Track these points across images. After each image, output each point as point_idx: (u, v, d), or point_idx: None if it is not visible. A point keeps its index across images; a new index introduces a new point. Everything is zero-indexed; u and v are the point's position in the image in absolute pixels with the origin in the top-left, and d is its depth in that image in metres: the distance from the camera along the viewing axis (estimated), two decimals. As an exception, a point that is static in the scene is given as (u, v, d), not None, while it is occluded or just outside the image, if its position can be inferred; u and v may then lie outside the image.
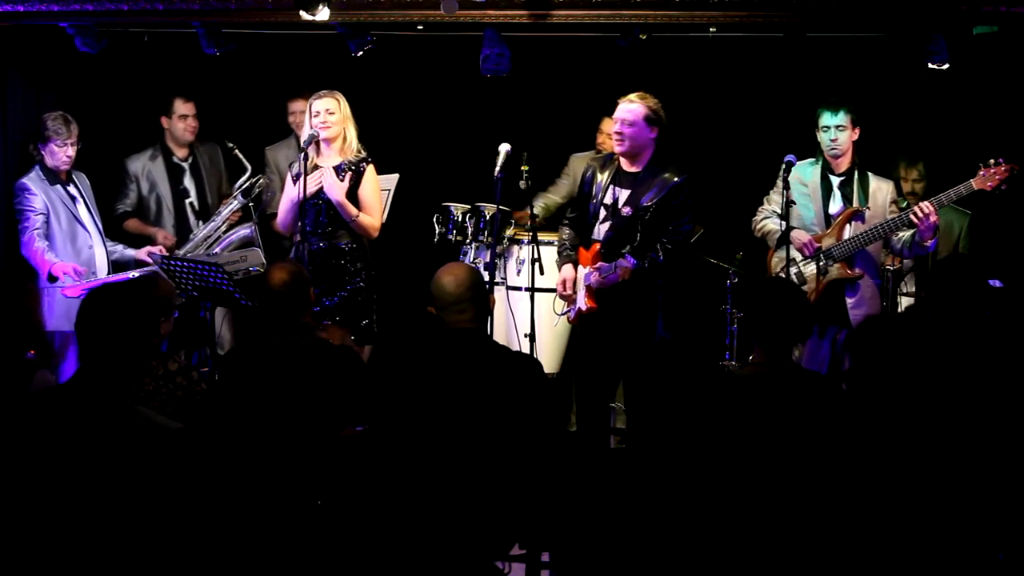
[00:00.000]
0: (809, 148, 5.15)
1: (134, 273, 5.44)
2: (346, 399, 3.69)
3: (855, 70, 6.08)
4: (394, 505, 3.23)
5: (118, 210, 5.96)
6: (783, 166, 5.02)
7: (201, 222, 5.92)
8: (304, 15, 5.09)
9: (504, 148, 5.01)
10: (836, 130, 5.01)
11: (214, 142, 6.10)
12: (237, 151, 5.80)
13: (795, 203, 4.94)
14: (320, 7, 5.06)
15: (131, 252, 5.62)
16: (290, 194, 5.18)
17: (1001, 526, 2.76)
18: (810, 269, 5.06)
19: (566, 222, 5.09)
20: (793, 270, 5.08)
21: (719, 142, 6.38)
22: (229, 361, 3.95)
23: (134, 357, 2.58)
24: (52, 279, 5.25)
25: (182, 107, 5.96)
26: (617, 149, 4.79)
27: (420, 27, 5.44)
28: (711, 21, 5.27)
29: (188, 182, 6.02)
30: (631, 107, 4.75)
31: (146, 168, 5.97)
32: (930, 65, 5.27)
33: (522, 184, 5.54)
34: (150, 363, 3.70)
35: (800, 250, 5.07)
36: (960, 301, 3.52)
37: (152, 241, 5.72)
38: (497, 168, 4.99)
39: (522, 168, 5.45)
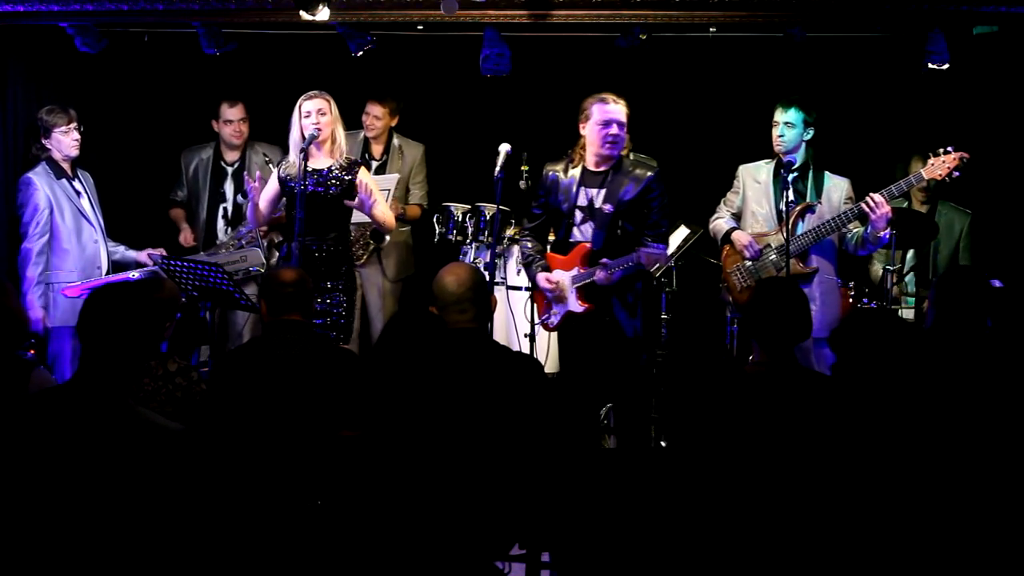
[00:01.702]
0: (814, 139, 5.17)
1: (134, 273, 5.44)
2: (345, 399, 3.69)
3: (854, 70, 6.08)
4: (394, 505, 3.22)
5: (170, 196, 6.13)
6: (783, 164, 5.03)
7: (230, 228, 5.95)
8: (304, 15, 5.09)
9: (504, 148, 5.01)
10: (784, 126, 5.04)
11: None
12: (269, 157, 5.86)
13: (794, 202, 4.95)
14: (320, 7, 5.06)
15: (132, 253, 5.63)
16: (271, 188, 5.15)
17: (1003, 525, 2.76)
18: (765, 265, 5.10)
19: (527, 233, 5.02)
20: (748, 264, 5.16)
21: (719, 142, 6.38)
22: (227, 361, 3.95)
23: (136, 358, 2.58)
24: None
25: (227, 111, 5.99)
26: (613, 152, 4.74)
27: (420, 27, 5.44)
28: (711, 21, 5.27)
29: (227, 186, 6.07)
30: (622, 109, 4.74)
31: (196, 164, 6.09)
32: (930, 65, 5.27)
33: (522, 184, 5.54)
34: (150, 363, 3.70)
35: (741, 251, 5.13)
36: (965, 312, 3.50)
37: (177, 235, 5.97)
38: (497, 168, 4.98)
39: (522, 168, 5.46)
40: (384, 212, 5.17)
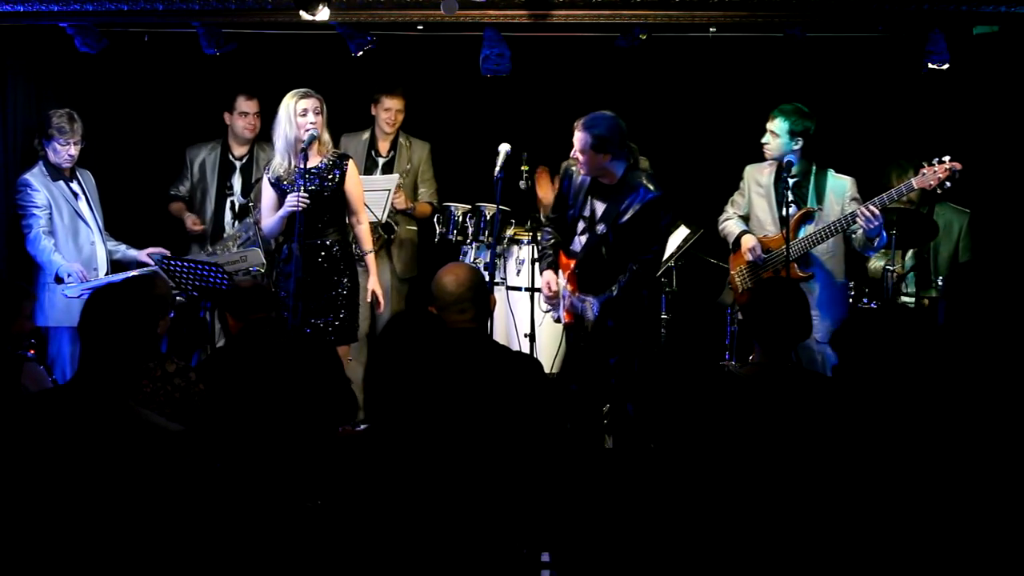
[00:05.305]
0: (808, 149, 5.16)
1: (134, 273, 5.44)
2: (330, 397, 3.70)
3: (854, 70, 6.08)
4: (394, 505, 3.22)
5: (170, 192, 6.14)
6: (783, 166, 5.03)
7: (237, 222, 5.97)
8: (304, 15, 5.09)
9: (504, 148, 5.01)
10: (768, 134, 5.07)
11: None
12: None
13: (794, 203, 4.95)
14: (320, 7, 5.06)
15: (133, 252, 5.64)
16: (275, 201, 5.11)
17: (1002, 526, 2.76)
18: (766, 267, 5.11)
19: (548, 221, 5.02)
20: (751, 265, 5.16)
21: (718, 142, 6.38)
22: (208, 366, 3.98)
23: (135, 357, 2.58)
24: (59, 280, 5.26)
25: (244, 104, 6.02)
26: (583, 172, 4.74)
27: (420, 27, 5.44)
28: (711, 21, 5.27)
29: (235, 180, 6.10)
30: (577, 136, 4.64)
31: (203, 159, 6.11)
32: (930, 65, 5.27)
33: (522, 184, 5.55)
34: (148, 364, 3.70)
35: (745, 255, 5.13)
36: (978, 308, 3.49)
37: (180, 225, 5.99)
38: (497, 168, 4.99)
39: (522, 168, 5.46)
40: (365, 227, 5.23)
